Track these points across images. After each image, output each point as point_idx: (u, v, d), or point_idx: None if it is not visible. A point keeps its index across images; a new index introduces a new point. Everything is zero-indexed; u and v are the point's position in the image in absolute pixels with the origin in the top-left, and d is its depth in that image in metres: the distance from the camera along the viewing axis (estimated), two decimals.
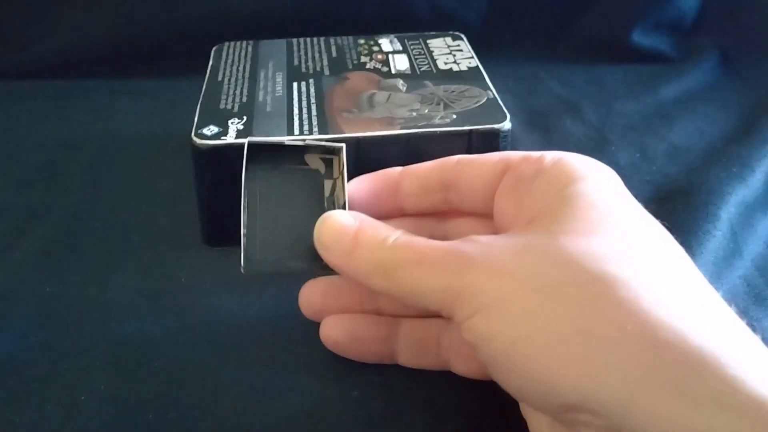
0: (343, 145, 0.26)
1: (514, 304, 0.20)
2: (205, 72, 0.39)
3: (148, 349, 0.28)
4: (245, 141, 0.26)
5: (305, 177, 0.26)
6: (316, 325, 0.29)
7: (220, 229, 0.34)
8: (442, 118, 0.33)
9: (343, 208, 0.25)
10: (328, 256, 0.24)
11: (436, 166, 0.26)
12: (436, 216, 0.27)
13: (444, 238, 0.27)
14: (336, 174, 0.26)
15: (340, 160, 0.26)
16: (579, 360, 0.18)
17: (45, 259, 0.34)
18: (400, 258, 0.22)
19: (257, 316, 0.30)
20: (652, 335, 0.18)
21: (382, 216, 0.26)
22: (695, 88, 0.49)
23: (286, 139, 0.27)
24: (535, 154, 0.24)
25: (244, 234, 0.25)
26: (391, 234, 0.23)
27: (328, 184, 0.26)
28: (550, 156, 0.24)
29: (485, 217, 0.26)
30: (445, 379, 0.26)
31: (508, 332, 0.20)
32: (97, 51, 0.53)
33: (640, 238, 0.21)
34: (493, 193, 0.25)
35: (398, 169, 0.27)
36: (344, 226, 0.24)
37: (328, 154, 0.27)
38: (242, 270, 0.25)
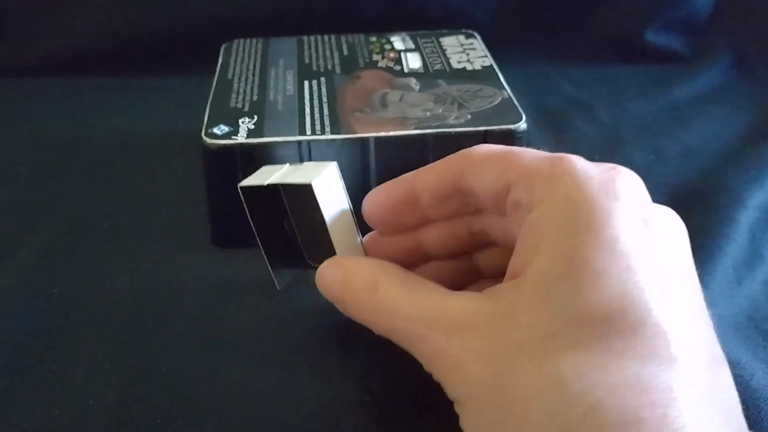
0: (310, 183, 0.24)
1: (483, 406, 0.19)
2: (213, 70, 0.38)
3: (157, 353, 0.28)
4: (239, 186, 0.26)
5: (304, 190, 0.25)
6: (328, 329, 0.29)
7: (230, 230, 0.33)
8: (456, 118, 0.32)
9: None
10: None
11: (445, 176, 0.23)
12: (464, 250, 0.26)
13: (477, 270, 0.26)
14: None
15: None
16: None
17: (50, 259, 0.33)
18: (385, 312, 0.22)
19: (267, 319, 0.29)
20: None
21: (409, 228, 0.25)
22: (709, 88, 0.49)
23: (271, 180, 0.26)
24: (532, 169, 0.21)
25: (264, 255, 0.27)
26: (377, 283, 0.23)
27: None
28: (542, 182, 0.20)
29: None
30: None
31: None
32: (103, 49, 0.53)
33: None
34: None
35: (411, 175, 0.24)
36: (330, 283, 0.24)
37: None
38: (278, 288, 0.28)
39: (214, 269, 0.32)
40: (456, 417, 0.20)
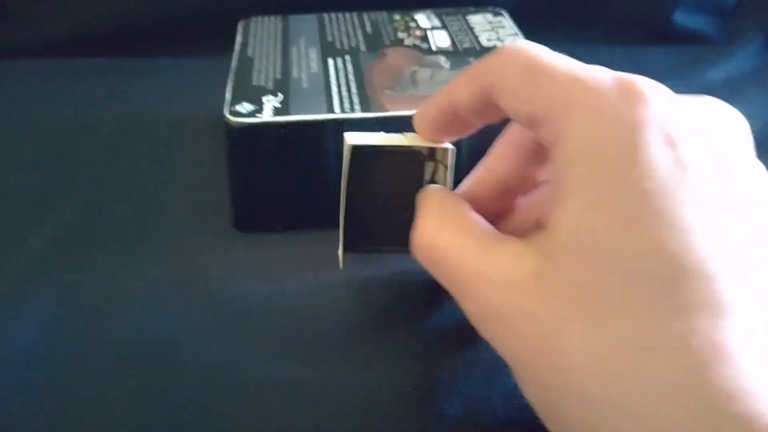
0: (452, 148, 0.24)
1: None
2: (226, 50, 0.36)
3: (179, 343, 0.26)
4: (345, 138, 0.24)
5: (408, 158, 0.24)
6: (360, 316, 0.27)
7: (253, 213, 0.32)
8: None
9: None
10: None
11: (474, 92, 0.21)
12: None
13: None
14: (440, 158, 0.24)
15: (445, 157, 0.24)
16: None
17: (65, 246, 0.31)
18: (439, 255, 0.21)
19: (295, 307, 0.28)
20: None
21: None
22: (742, 71, 0.47)
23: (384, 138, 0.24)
24: (556, 100, 0.18)
25: (343, 215, 0.25)
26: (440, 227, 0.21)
27: (429, 167, 0.24)
28: (569, 129, 0.18)
29: None
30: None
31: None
32: (113, 28, 0.51)
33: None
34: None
35: (446, 89, 0.23)
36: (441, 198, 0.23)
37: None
38: (340, 251, 0.25)
39: (239, 255, 0.30)
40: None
